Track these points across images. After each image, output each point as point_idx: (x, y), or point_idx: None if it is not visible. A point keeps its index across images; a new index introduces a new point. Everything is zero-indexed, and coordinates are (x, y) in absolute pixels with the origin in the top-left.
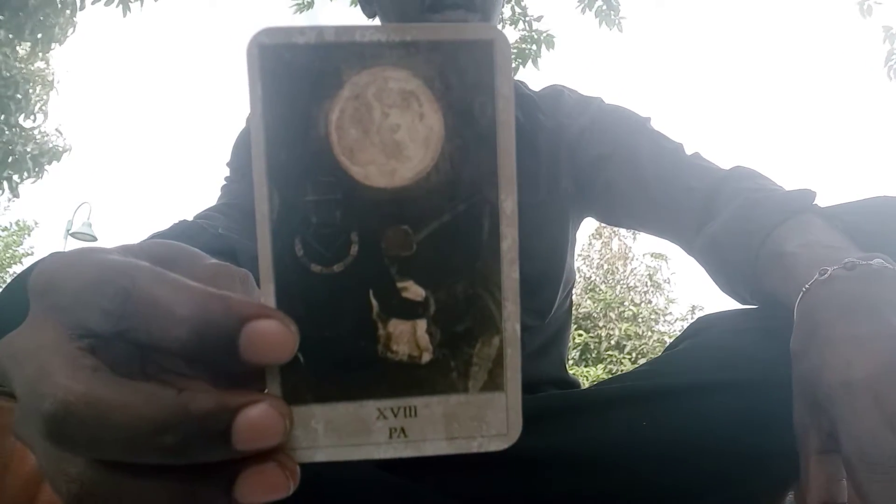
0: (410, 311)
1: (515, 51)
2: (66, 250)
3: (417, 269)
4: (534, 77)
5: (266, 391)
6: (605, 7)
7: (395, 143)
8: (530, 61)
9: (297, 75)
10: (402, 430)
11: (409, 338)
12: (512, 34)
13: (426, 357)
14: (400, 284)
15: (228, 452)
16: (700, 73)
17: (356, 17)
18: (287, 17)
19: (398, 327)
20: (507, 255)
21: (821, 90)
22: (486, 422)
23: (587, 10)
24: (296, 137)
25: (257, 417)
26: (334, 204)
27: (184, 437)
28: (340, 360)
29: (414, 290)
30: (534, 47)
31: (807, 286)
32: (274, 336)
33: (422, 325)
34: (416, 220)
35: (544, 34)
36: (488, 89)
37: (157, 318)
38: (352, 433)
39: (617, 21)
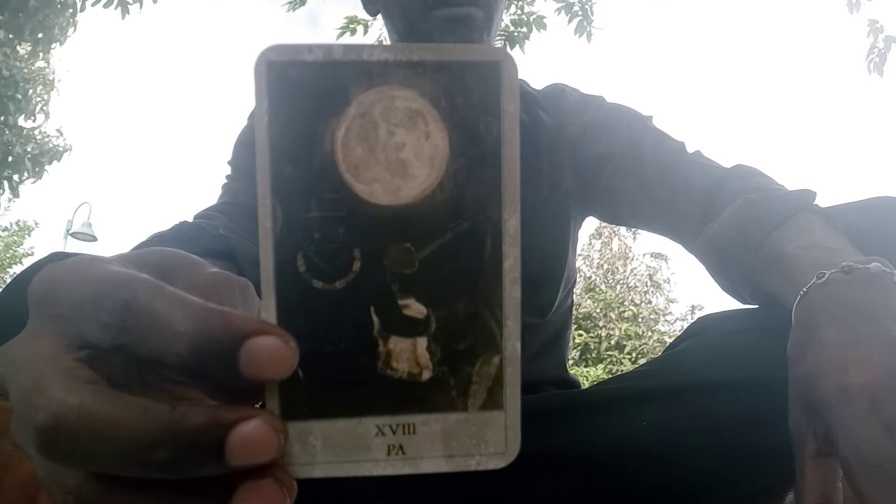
0: (411, 328)
1: (505, 35)
2: (67, 257)
3: (419, 286)
4: (524, 62)
5: (265, 405)
6: (579, 12)
7: (401, 161)
8: (517, 45)
9: (304, 92)
10: (401, 447)
11: (409, 355)
12: (504, 17)
13: (426, 375)
14: (401, 302)
15: (222, 468)
16: (691, 71)
17: (352, 12)
18: (283, 15)
19: (398, 344)
20: (509, 274)
21: (813, 87)
22: (484, 440)
23: (563, 13)
24: (301, 154)
25: (251, 433)
26: (338, 220)
27: (177, 453)
28: (340, 377)
29: (415, 308)
30: (524, 30)
31: (804, 289)
32: (273, 352)
33: (422, 342)
34: (420, 237)
35: (534, 16)
36: (494, 110)
37: (157, 333)
38: (350, 449)
39: (588, 29)
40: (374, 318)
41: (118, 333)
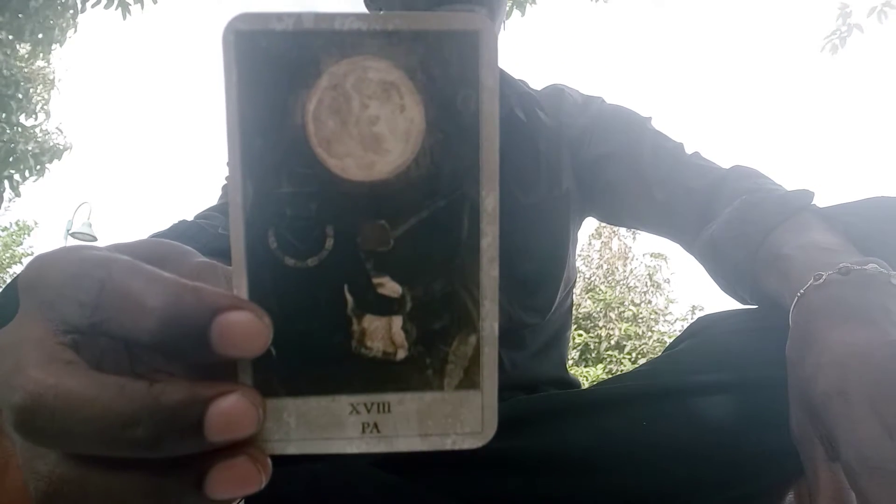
0: (386, 307)
1: None
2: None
3: (394, 265)
4: (524, 26)
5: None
6: None
7: (374, 135)
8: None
9: (274, 63)
10: (375, 425)
11: (383, 334)
12: None
13: (401, 354)
14: (376, 280)
15: (201, 444)
16: (686, 70)
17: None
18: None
19: (373, 323)
20: (487, 252)
21: (806, 86)
22: (460, 420)
23: None
24: (271, 127)
25: (230, 408)
26: (309, 196)
27: (156, 430)
28: (313, 355)
29: (390, 287)
30: None
31: (801, 291)
32: (246, 328)
33: (397, 321)
34: (394, 215)
35: None
36: (472, 82)
37: (129, 308)
38: (324, 427)
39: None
40: (348, 297)
41: (94, 311)
